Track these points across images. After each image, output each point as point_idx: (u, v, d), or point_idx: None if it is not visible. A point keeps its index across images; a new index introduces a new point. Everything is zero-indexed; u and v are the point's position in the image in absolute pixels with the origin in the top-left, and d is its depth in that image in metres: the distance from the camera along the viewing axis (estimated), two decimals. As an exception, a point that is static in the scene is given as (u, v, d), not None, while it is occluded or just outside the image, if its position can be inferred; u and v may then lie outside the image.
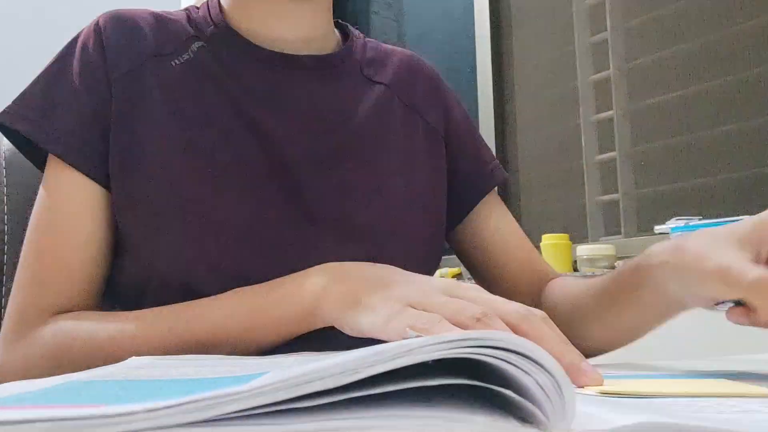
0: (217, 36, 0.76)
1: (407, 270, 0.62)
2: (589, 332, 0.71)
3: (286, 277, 0.62)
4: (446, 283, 0.52)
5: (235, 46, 0.76)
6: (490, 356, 0.27)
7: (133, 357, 0.50)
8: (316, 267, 0.60)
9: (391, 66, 0.85)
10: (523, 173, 2.40)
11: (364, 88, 0.80)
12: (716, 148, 1.88)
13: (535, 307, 0.77)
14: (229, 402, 0.26)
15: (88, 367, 0.58)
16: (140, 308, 0.65)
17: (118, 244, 0.71)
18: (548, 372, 0.27)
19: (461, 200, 0.85)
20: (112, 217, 0.70)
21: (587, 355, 0.69)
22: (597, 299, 0.70)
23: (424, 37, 2.73)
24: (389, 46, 0.89)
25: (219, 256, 0.67)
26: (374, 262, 0.63)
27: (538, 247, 2.07)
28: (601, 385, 0.42)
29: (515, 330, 0.47)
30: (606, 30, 2.15)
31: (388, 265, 0.59)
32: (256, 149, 0.71)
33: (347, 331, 0.55)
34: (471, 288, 0.52)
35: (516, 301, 0.79)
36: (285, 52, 0.76)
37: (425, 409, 0.27)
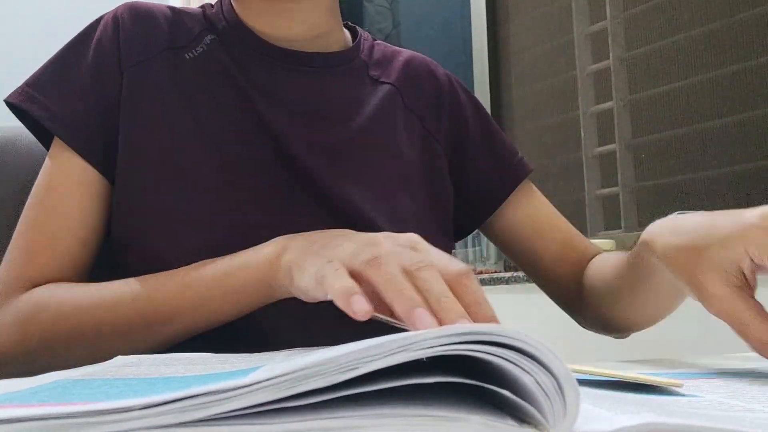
0: (228, 30, 0.79)
1: None
2: (621, 311, 0.78)
3: (248, 249, 0.62)
4: (373, 236, 0.52)
5: (246, 42, 0.79)
6: (490, 353, 0.27)
7: (119, 356, 0.49)
8: (276, 238, 0.61)
9: (397, 66, 0.87)
10: (520, 166, 2.38)
11: (370, 88, 0.83)
12: (719, 140, 1.87)
13: (578, 287, 0.84)
14: (226, 400, 0.25)
15: (53, 336, 0.65)
16: None
17: (121, 240, 0.72)
18: (550, 372, 0.27)
19: (485, 201, 0.88)
20: (106, 206, 0.73)
21: (622, 331, 0.83)
22: (621, 282, 0.74)
23: (419, 25, 2.71)
24: (398, 48, 0.91)
25: (227, 249, 0.68)
26: None
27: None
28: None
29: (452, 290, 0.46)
30: (605, 19, 2.14)
31: (344, 229, 0.58)
32: (263, 143, 0.74)
33: (302, 297, 0.56)
34: (397, 240, 0.51)
35: (560, 283, 0.86)
36: (293, 48, 0.79)
37: (420, 408, 0.27)
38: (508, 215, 0.88)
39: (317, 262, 0.51)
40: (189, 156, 0.72)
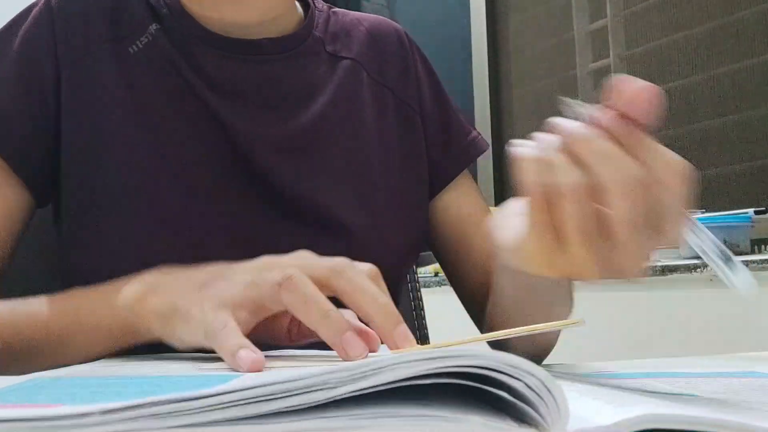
0: (172, 19, 0.72)
1: (385, 259, 0.61)
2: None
3: (115, 282, 0.58)
4: (264, 260, 0.50)
5: (190, 31, 0.72)
6: (480, 367, 0.27)
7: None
8: (141, 274, 0.56)
9: (358, 37, 0.80)
10: (520, 165, 2.37)
11: (329, 67, 0.77)
12: (720, 139, 1.86)
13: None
14: (194, 412, 0.25)
15: None
16: None
17: (75, 249, 0.68)
18: (534, 375, 0.27)
19: (431, 181, 0.81)
20: (19, 217, 0.67)
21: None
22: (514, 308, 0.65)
23: (417, 23, 2.70)
24: (358, 14, 0.84)
25: (187, 253, 0.64)
26: (349, 252, 0.62)
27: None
28: (413, 345, 0.43)
29: (327, 286, 0.46)
30: (606, 17, 2.12)
31: (218, 264, 0.54)
32: (220, 143, 0.69)
33: (175, 345, 0.51)
34: (294, 256, 0.50)
35: (475, 296, 0.75)
36: (241, 37, 0.73)
37: (419, 408, 0.26)
38: (439, 209, 0.80)
39: (205, 307, 0.47)
40: (141, 161, 0.67)
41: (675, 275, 1.54)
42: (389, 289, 0.76)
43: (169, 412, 0.24)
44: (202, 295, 0.49)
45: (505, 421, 0.27)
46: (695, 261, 1.51)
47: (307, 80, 0.74)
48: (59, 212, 0.70)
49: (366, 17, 0.83)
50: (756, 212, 1.61)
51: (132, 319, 0.53)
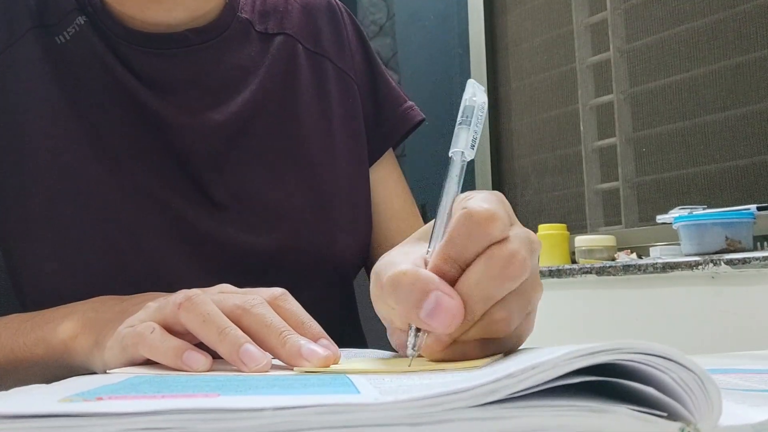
0: (96, 15, 0.71)
1: (333, 241, 0.69)
2: None
3: (60, 309, 0.60)
4: (185, 293, 0.48)
5: (114, 31, 0.70)
6: (627, 361, 0.28)
7: None
8: (80, 304, 0.59)
9: (291, 12, 0.79)
10: (518, 160, 2.37)
11: (261, 46, 0.76)
12: (721, 134, 1.84)
13: None
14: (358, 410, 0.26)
15: None
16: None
17: (16, 259, 0.68)
18: (687, 368, 0.27)
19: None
20: None
21: None
22: None
23: (415, 17, 2.68)
24: None
25: (126, 251, 0.65)
26: (292, 236, 0.67)
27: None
28: (326, 365, 0.42)
29: (237, 323, 0.45)
30: (606, 10, 2.11)
31: (145, 293, 0.57)
32: (154, 137, 0.68)
33: (99, 372, 0.53)
34: (211, 290, 0.50)
35: None
36: (164, 32, 0.71)
37: (565, 400, 0.27)
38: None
39: (119, 330, 0.49)
40: (74, 158, 0.66)
41: (676, 272, 1.53)
42: (344, 281, 0.76)
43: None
44: (116, 325, 0.50)
45: (650, 413, 0.27)
46: (696, 258, 1.50)
47: (236, 65, 0.73)
48: None
49: None
50: (759, 208, 1.60)
51: (66, 355, 0.57)
